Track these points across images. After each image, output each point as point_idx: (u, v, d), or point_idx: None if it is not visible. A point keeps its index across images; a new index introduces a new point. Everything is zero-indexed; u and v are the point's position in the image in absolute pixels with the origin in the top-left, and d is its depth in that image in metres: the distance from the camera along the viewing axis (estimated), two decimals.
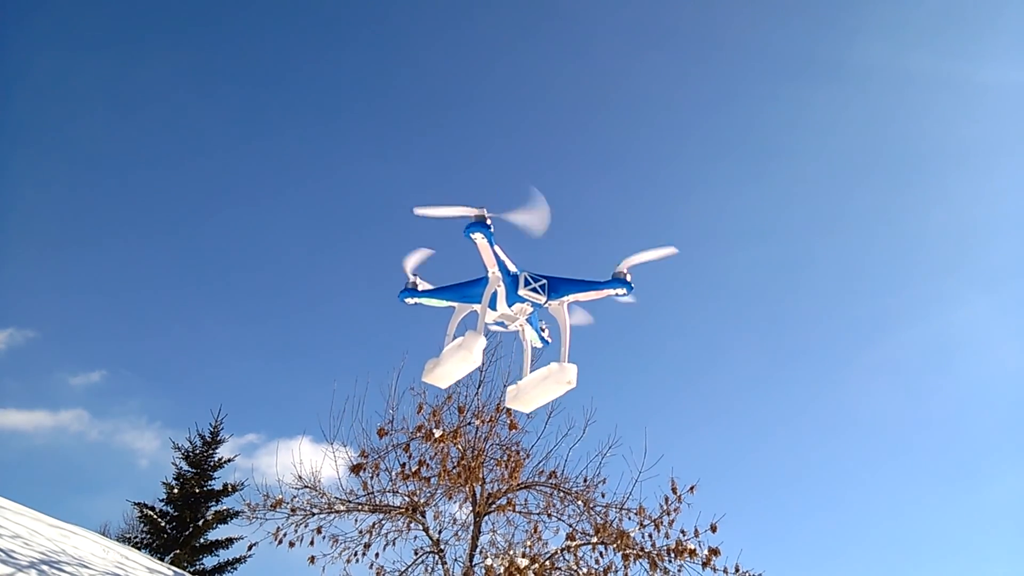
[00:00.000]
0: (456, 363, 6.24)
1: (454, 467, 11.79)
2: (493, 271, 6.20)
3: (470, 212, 5.85)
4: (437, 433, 11.44)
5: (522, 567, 10.27)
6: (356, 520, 12.45)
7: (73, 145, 28.61)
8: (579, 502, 12.24)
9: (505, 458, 12.20)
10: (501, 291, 6.28)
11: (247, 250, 30.90)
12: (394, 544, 12.39)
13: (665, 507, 11.39)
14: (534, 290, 6.22)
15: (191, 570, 22.14)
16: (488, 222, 5.90)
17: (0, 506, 12.18)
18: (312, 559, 11.80)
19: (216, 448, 26.09)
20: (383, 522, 12.42)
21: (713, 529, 10.93)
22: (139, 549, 20.77)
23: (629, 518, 11.66)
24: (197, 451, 25.80)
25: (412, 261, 6.69)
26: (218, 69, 27.92)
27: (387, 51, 27.90)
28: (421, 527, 12.45)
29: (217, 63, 27.58)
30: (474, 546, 11.98)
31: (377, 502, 12.39)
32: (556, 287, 6.28)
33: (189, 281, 31.45)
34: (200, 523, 24.50)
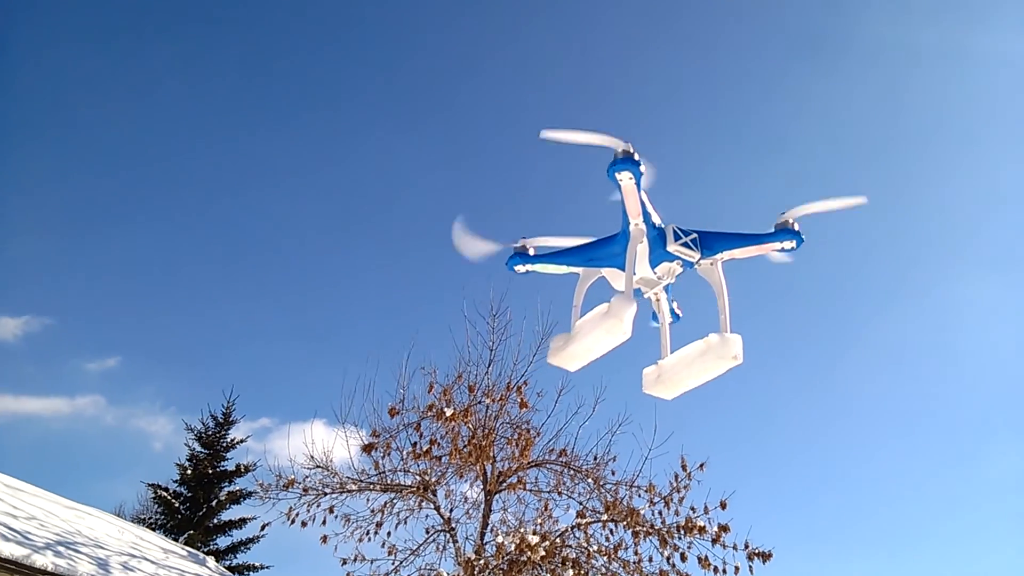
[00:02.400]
0: (599, 336, 5.10)
1: (465, 446, 11.81)
2: (636, 222, 5.03)
3: (615, 144, 4.73)
4: (448, 412, 11.44)
5: (533, 544, 10.30)
6: (368, 499, 12.50)
7: (85, 134, 28.70)
8: (589, 480, 12.28)
9: (515, 436, 12.21)
10: (643, 248, 5.15)
11: (258, 234, 31.01)
12: (406, 523, 12.43)
13: (675, 484, 11.43)
14: (685, 245, 5.09)
15: (205, 550, 22.34)
16: (637, 158, 4.74)
17: (16, 488, 12.32)
18: (324, 538, 11.84)
19: (229, 429, 26.30)
20: (395, 501, 12.47)
21: (723, 506, 10.94)
22: (153, 530, 20.98)
23: (639, 495, 11.71)
24: (210, 432, 26.00)
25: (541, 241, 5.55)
26: (228, 57, 27.87)
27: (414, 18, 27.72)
28: (432, 506, 12.51)
29: (230, 51, 27.52)
30: (485, 524, 12.05)
31: (388, 481, 12.45)
32: (709, 242, 5.17)
33: (202, 266, 31.63)
34: (213, 503, 24.73)
